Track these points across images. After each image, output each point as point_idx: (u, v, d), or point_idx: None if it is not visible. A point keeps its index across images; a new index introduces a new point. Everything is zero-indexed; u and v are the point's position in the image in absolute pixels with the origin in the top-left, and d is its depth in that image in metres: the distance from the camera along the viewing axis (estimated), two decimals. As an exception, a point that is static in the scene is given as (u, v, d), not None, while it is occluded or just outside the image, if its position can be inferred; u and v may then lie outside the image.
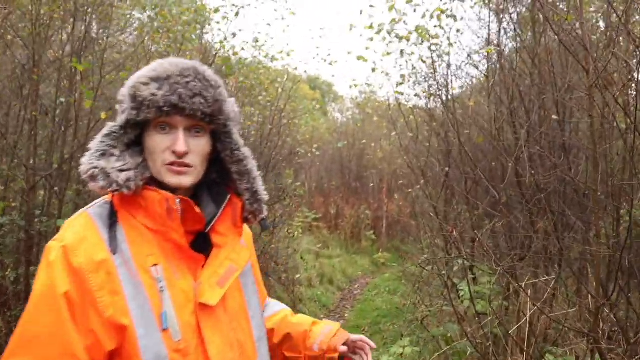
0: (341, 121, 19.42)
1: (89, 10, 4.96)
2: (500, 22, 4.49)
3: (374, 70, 5.80)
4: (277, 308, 1.80)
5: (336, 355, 1.67)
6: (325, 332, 1.70)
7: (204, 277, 1.33)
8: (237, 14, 5.37)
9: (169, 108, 1.28)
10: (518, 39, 4.29)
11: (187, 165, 1.33)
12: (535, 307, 2.92)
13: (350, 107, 19.42)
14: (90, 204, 1.36)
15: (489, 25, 4.36)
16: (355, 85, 6.94)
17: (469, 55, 5.22)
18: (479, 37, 6.00)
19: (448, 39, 4.85)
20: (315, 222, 13.40)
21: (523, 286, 2.81)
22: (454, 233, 3.86)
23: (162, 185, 1.34)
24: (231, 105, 1.42)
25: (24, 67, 5.13)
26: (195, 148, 1.34)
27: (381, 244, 13.94)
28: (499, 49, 3.95)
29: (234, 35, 5.45)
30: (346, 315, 8.55)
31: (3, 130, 5.12)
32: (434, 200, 5.37)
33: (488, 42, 4.70)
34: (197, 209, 1.34)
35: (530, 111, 3.70)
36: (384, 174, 15.02)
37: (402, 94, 5.86)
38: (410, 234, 12.18)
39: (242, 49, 5.76)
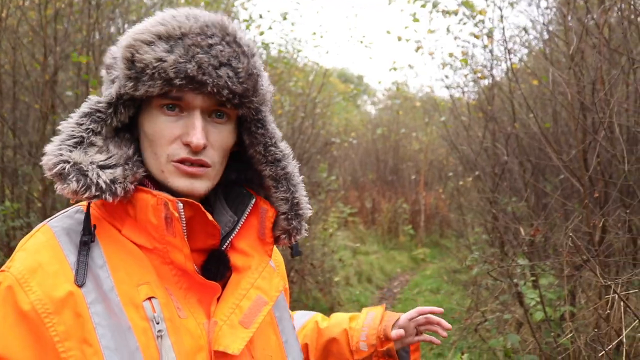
0: (374, 114, 18.91)
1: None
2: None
3: (417, 49, 5.23)
4: (304, 319, 1.45)
5: (391, 346, 1.33)
6: (368, 322, 1.37)
7: (221, 314, 0.95)
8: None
9: (183, 81, 0.90)
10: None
11: (203, 164, 0.96)
12: (638, 320, 2.35)
13: (382, 99, 18.92)
14: (56, 214, 0.98)
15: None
16: (395, 69, 6.42)
17: (524, 29, 4.63)
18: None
19: (500, 9, 4.26)
20: (350, 217, 12.90)
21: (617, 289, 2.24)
22: (536, 236, 3.30)
23: (161, 187, 0.97)
24: (266, 83, 1.03)
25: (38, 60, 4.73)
26: (216, 140, 0.98)
27: (419, 238, 13.38)
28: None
29: (261, 16, 4.98)
30: (387, 316, 8.02)
31: (20, 128, 4.77)
32: (488, 193, 4.80)
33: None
34: (210, 217, 0.96)
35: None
36: (420, 166, 14.44)
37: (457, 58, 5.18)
38: (452, 227, 11.60)
39: (270, 27, 5.26)
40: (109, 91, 0.95)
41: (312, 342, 1.38)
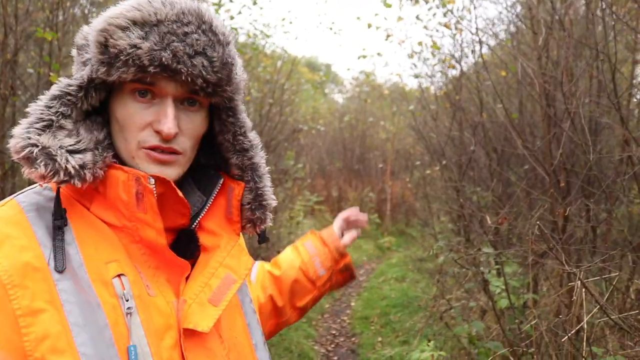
0: (342, 102, 18.94)
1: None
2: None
3: (387, 37, 5.23)
4: (255, 271, 1.47)
5: (348, 260, 1.47)
6: (313, 250, 1.45)
7: (190, 292, 0.96)
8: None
9: (157, 69, 0.89)
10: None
11: (174, 152, 0.96)
12: (598, 307, 2.41)
13: (349, 89, 18.95)
14: (23, 190, 0.96)
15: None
16: (364, 57, 6.44)
17: (491, 21, 4.66)
18: None
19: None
20: (317, 205, 12.91)
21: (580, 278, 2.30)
22: (504, 224, 3.34)
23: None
24: (240, 71, 1.03)
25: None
26: (188, 128, 0.98)
27: (385, 227, 13.49)
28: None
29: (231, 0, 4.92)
30: (352, 304, 8.09)
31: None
32: (454, 182, 4.85)
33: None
34: (180, 194, 0.96)
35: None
36: (387, 155, 14.54)
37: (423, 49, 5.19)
38: (418, 216, 11.72)
39: (240, 12, 5.20)
40: (80, 74, 0.94)
41: (275, 292, 1.43)
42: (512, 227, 4.00)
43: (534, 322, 3.16)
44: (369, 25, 5.07)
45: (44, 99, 0.92)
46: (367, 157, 14.89)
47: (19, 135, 0.88)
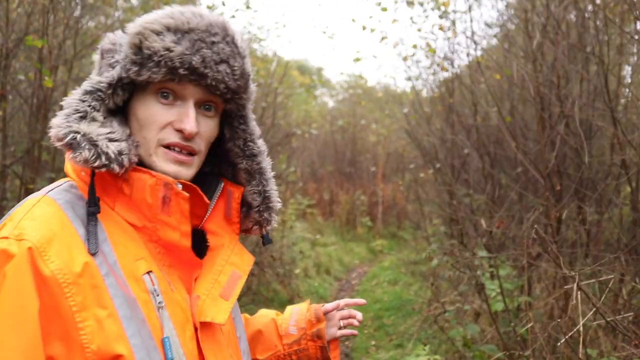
0: (332, 106, 18.94)
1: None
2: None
3: (382, 39, 5.25)
4: None
5: (322, 326, 1.39)
6: (296, 310, 1.44)
7: (202, 288, 1.05)
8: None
9: (187, 71, 0.98)
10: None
11: (191, 152, 1.03)
12: (594, 310, 2.41)
13: (340, 91, 18.97)
14: (48, 187, 1.01)
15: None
16: (359, 59, 6.48)
17: (486, 24, 4.68)
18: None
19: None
20: (309, 208, 12.88)
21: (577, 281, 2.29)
22: (500, 228, 3.35)
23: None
24: (252, 83, 1.13)
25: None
26: (204, 131, 1.05)
27: (377, 230, 13.47)
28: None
29: (224, 3, 4.90)
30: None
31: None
32: (448, 185, 4.85)
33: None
34: (206, 199, 1.06)
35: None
36: (378, 158, 14.54)
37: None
38: (410, 219, 11.72)
39: (233, 16, 5.19)
40: (110, 73, 1.00)
41: None
42: (507, 230, 4.01)
43: (529, 325, 3.17)
44: (364, 28, 5.10)
45: (76, 93, 0.99)
46: (359, 160, 14.89)
47: (60, 124, 0.94)
